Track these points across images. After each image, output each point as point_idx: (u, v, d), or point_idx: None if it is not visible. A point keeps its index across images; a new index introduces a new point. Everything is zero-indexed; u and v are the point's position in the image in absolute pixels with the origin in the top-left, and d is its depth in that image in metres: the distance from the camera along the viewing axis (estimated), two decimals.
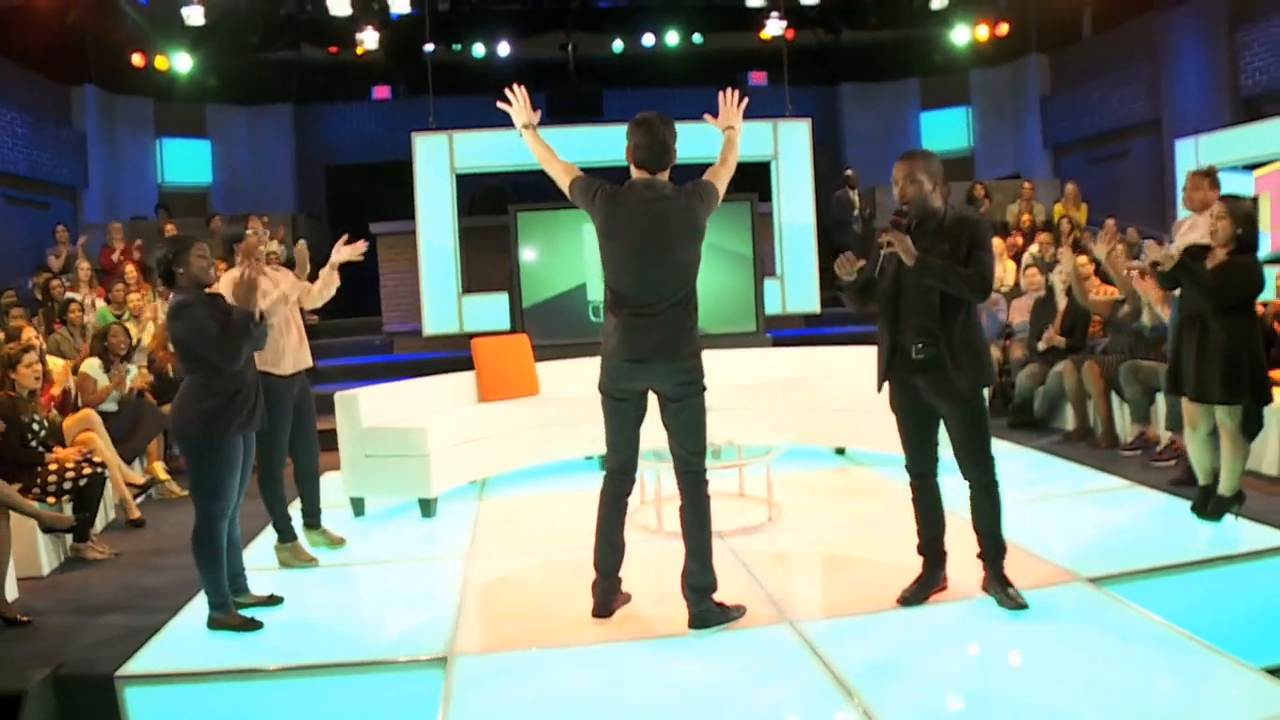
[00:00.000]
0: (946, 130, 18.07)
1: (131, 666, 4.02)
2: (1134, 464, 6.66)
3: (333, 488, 6.64)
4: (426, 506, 6.13)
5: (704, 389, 4.14)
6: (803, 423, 7.28)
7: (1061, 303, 8.37)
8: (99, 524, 6.22)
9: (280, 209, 14.67)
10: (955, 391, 4.01)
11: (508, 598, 4.74)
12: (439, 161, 10.22)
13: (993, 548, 4.17)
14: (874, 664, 3.72)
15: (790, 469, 6.55)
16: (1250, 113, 11.89)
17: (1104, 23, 15.43)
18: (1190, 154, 11.28)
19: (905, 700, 3.43)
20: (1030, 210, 13.22)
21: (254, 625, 4.35)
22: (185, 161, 15.77)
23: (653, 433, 4.77)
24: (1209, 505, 5.19)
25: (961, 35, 15.83)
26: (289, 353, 5.14)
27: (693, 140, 11.03)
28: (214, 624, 4.36)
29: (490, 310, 10.49)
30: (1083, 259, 9.97)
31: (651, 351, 4.01)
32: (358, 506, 6.30)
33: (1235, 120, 11.77)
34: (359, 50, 14.40)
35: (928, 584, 4.29)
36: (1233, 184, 11.21)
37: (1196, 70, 12.74)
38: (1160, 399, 6.85)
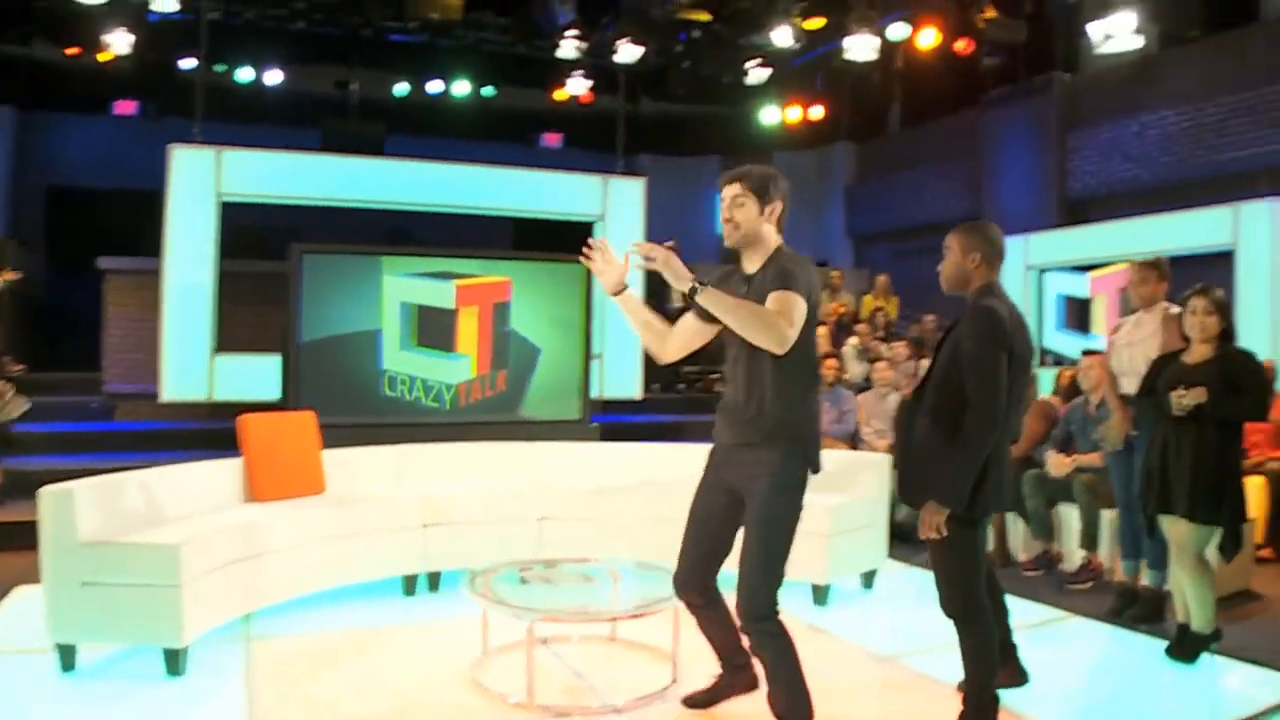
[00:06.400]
0: None
1: None
2: (1048, 587, 5.92)
3: (30, 620, 4.63)
4: (174, 660, 4.20)
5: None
6: (664, 537, 5.86)
7: None
8: None
9: None
10: None
11: None
12: (202, 184, 8.18)
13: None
14: None
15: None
16: (1075, 215, 11.82)
17: (916, 116, 15.36)
18: (1019, 253, 10.99)
19: None
20: (838, 299, 12.67)
21: None
22: None
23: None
24: (1183, 645, 4.51)
25: (771, 116, 15.35)
26: None
27: (474, 188, 9.66)
28: None
29: (248, 376, 8.52)
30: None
31: None
32: (66, 658, 4.24)
33: (1062, 222, 11.63)
34: (105, 55, 12.07)
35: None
36: (1066, 285, 11.05)
37: (1024, 171, 12.64)
38: (1064, 512, 6.30)
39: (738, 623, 3.37)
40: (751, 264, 3.42)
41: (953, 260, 3.60)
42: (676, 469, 6.44)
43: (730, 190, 3.37)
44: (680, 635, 4.33)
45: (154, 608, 4.14)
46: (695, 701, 3.90)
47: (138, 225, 9.67)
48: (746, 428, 3.37)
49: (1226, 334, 4.47)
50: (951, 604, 3.50)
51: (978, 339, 3.37)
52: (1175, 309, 5.08)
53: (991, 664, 3.52)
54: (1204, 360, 4.45)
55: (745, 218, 3.36)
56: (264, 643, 4.71)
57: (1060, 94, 12.35)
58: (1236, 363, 4.42)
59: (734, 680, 3.89)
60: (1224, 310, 4.48)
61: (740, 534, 3.42)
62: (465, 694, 4.10)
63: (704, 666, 4.24)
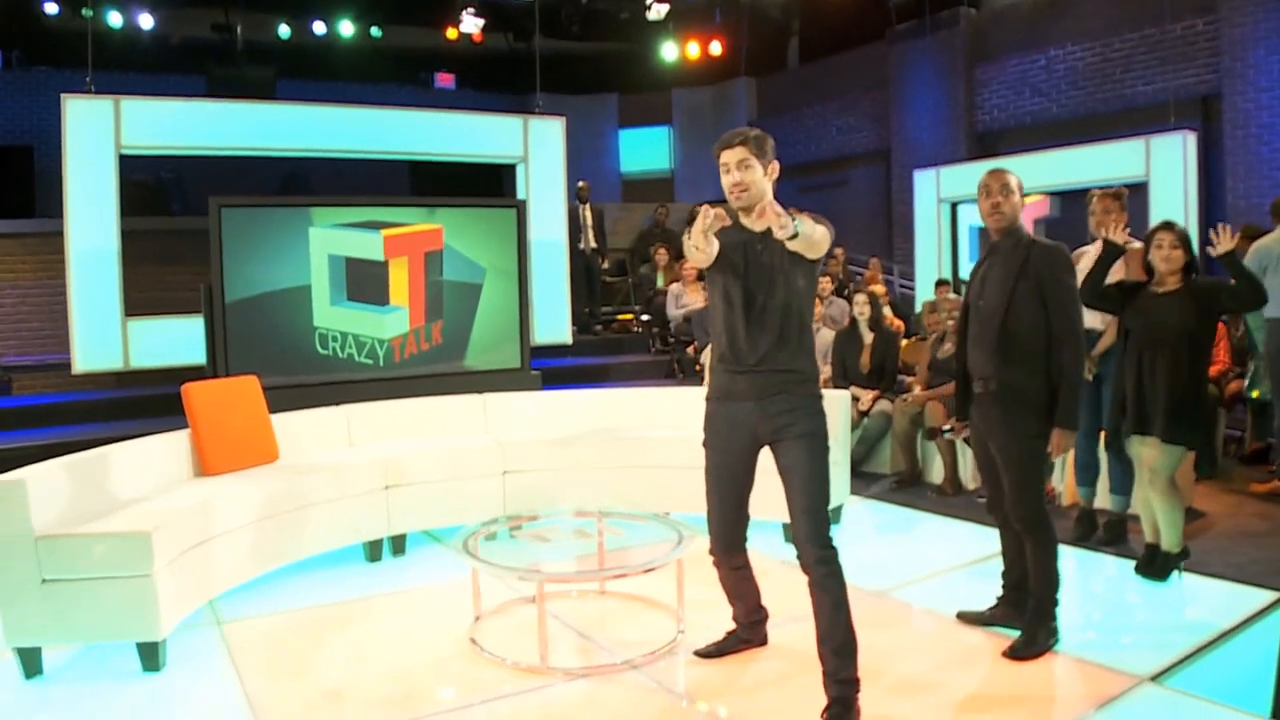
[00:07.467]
0: (646, 149, 17.39)
1: None
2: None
3: None
4: (151, 654, 3.93)
5: None
6: (627, 485, 5.82)
7: (868, 336, 7.55)
8: None
9: None
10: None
11: None
12: (100, 137, 7.59)
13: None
14: None
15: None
16: (985, 148, 11.96)
17: (816, 51, 15.32)
18: (932, 185, 11.10)
19: None
20: None
21: None
22: None
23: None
24: (1155, 564, 4.68)
25: (670, 52, 15.13)
26: None
27: (391, 133, 9.21)
28: None
29: (164, 340, 8.05)
30: (878, 289, 9.34)
31: None
32: (30, 663, 3.91)
33: (972, 155, 11.76)
34: None
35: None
36: (979, 216, 11.21)
37: (933, 104, 12.72)
38: None
39: (804, 563, 3.40)
40: (760, 223, 3.32)
41: (1016, 202, 3.85)
42: (625, 414, 6.48)
43: (735, 154, 3.38)
44: (684, 586, 4.26)
45: (127, 600, 3.85)
46: (708, 654, 3.93)
47: (11, 184, 8.92)
48: (782, 377, 3.44)
49: (1190, 266, 4.59)
50: (1029, 509, 3.80)
51: (1067, 278, 3.78)
52: (1135, 242, 5.18)
53: (1055, 572, 3.82)
54: (1171, 291, 4.57)
55: (754, 179, 3.38)
56: (237, 626, 4.46)
57: (967, 28, 12.46)
58: (1203, 287, 4.55)
59: (750, 636, 3.96)
60: (1188, 244, 4.60)
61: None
62: (468, 661, 3.96)
63: (705, 616, 4.20)
